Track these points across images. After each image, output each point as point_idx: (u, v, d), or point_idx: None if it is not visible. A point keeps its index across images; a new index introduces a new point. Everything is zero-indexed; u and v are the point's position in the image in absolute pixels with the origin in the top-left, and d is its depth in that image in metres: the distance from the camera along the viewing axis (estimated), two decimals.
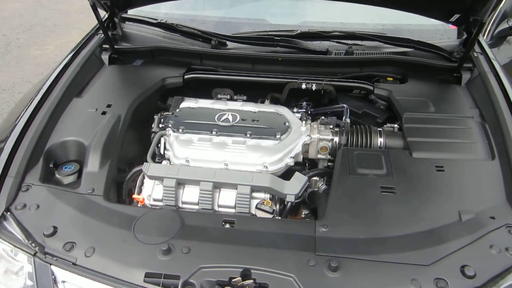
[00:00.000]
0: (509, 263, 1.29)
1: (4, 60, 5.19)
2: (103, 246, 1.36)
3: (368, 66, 2.22)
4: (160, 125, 1.90)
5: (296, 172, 1.68)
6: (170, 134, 1.82)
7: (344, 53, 2.25)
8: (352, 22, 2.47)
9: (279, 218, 1.61)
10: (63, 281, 1.33)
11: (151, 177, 1.66)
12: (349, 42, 2.32)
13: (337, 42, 2.33)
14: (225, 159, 1.70)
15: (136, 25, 2.50)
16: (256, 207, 1.59)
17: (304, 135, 1.83)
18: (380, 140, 1.81)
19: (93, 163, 1.64)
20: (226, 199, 1.63)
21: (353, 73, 2.20)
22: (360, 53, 2.27)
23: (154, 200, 1.67)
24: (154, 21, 2.42)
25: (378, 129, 1.87)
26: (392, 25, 2.48)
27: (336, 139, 1.85)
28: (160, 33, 2.46)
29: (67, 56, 2.18)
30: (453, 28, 2.53)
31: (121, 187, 1.75)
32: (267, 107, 2.01)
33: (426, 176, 1.60)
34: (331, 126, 1.89)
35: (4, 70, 4.98)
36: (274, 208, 1.59)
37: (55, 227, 1.40)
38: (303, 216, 1.79)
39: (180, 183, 1.65)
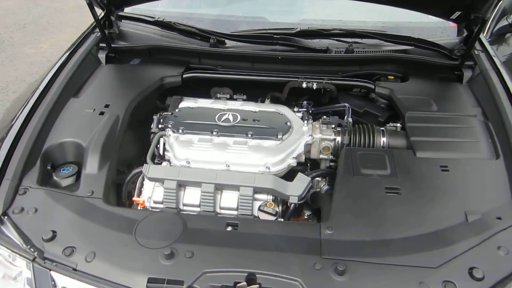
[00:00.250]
0: None
1: None
2: (104, 251, 1.32)
3: (369, 64, 2.20)
4: (160, 126, 1.86)
5: (299, 173, 1.66)
6: (169, 135, 1.79)
7: (345, 51, 2.22)
8: (351, 20, 2.44)
9: (283, 220, 1.59)
10: (63, 287, 1.30)
11: (151, 179, 1.63)
12: (349, 40, 2.29)
13: (336, 40, 2.31)
14: (226, 160, 1.67)
15: (132, 24, 2.46)
16: (259, 209, 1.56)
17: (306, 135, 1.80)
18: (383, 140, 1.79)
19: (92, 165, 1.60)
20: (228, 201, 1.60)
21: (354, 71, 2.18)
22: (360, 51, 2.25)
23: (155, 202, 1.64)
24: (151, 19, 2.38)
25: (381, 128, 1.84)
26: (392, 22, 2.46)
27: (339, 139, 1.82)
28: (158, 32, 2.42)
29: (63, 55, 2.14)
30: (453, 25, 2.52)
31: (120, 189, 1.71)
32: (267, 107, 1.98)
33: (431, 176, 1.58)
34: (333, 126, 1.87)
35: None
36: (277, 210, 1.57)
37: (54, 232, 1.37)
38: (305, 217, 1.77)
39: (181, 185, 1.62)
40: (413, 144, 1.70)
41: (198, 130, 1.78)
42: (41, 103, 1.81)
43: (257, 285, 1.23)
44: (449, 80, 2.14)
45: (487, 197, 1.50)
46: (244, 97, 2.08)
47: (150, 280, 1.24)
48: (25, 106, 1.79)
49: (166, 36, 2.39)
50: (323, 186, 1.84)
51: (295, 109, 1.99)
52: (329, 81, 2.06)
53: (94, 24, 2.40)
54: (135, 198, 1.65)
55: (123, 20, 2.45)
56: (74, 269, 1.28)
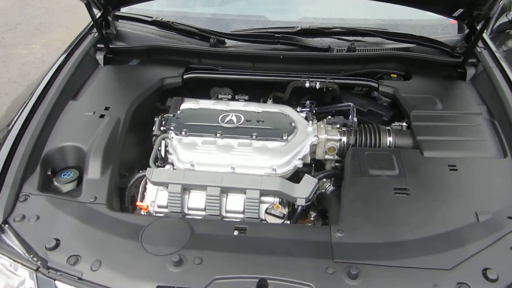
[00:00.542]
0: None
1: None
2: (110, 259, 1.29)
3: (371, 63, 2.17)
4: (162, 128, 1.82)
5: (306, 175, 1.63)
6: (172, 137, 1.75)
7: (347, 49, 2.19)
8: (352, 18, 2.42)
9: (292, 223, 1.56)
10: None
11: (155, 183, 1.60)
12: (350, 38, 2.27)
13: (338, 38, 2.28)
14: (231, 163, 1.64)
15: (130, 23, 2.42)
16: (266, 212, 1.53)
17: (311, 135, 1.77)
18: (389, 139, 1.77)
19: (94, 170, 1.56)
20: (234, 204, 1.57)
21: (356, 70, 2.15)
22: (362, 49, 2.22)
23: (159, 206, 1.60)
24: (149, 19, 2.34)
25: (387, 128, 1.82)
26: (392, 20, 2.44)
27: (344, 139, 1.80)
28: (156, 32, 2.38)
29: (60, 57, 2.09)
30: (454, 22, 2.51)
31: (122, 194, 1.67)
32: (270, 107, 1.95)
33: (439, 176, 1.56)
34: (338, 126, 1.84)
35: None
36: (284, 213, 1.54)
37: (57, 240, 1.33)
38: (312, 219, 1.74)
39: (186, 189, 1.59)
40: (420, 144, 1.68)
41: (201, 132, 1.74)
42: (40, 107, 1.76)
43: None
44: (452, 78, 2.12)
45: (497, 196, 1.49)
46: (246, 97, 2.05)
47: None
48: (23, 109, 1.75)
49: (165, 36, 2.35)
50: (328, 187, 1.81)
51: (298, 109, 1.96)
52: (332, 80, 2.03)
53: (90, 25, 2.35)
54: (139, 203, 1.61)
55: (120, 20, 2.40)
56: (80, 278, 1.25)
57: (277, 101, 2.12)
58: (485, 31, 2.07)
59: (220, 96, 2.08)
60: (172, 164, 1.70)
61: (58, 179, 1.62)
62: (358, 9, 2.47)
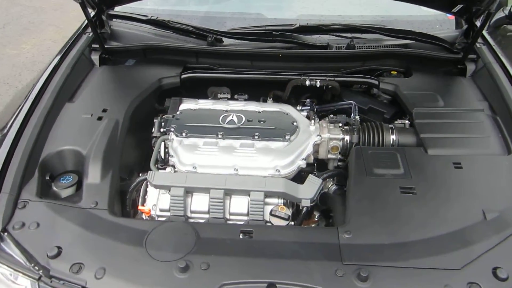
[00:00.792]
0: None
1: None
2: (114, 266, 1.25)
3: (371, 60, 2.16)
4: (162, 129, 1.79)
5: (310, 175, 1.61)
6: (173, 139, 1.72)
7: (346, 47, 2.17)
8: (350, 15, 2.40)
9: (298, 225, 1.54)
10: None
11: (157, 187, 1.56)
12: (349, 35, 2.25)
13: (336, 35, 2.26)
14: (234, 164, 1.61)
15: (124, 23, 2.37)
16: (271, 214, 1.51)
17: (314, 134, 1.75)
18: (393, 138, 1.76)
19: (94, 174, 1.53)
20: (238, 207, 1.55)
21: (356, 67, 2.14)
22: (361, 46, 2.20)
23: (161, 210, 1.57)
24: (144, 18, 2.30)
25: (389, 126, 1.81)
26: (391, 16, 2.43)
27: (347, 138, 1.78)
28: (151, 31, 2.33)
29: (54, 58, 2.04)
30: (451, 18, 2.50)
31: (123, 198, 1.64)
32: (271, 106, 1.92)
33: (445, 174, 1.55)
34: (340, 125, 1.82)
35: None
36: (289, 214, 1.52)
37: (59, 247, 1.29)
38: (316, 219, 1.72)
39: (188, 191, 1.56)
40: (423, 142, 1.67)
41: (202, 133, 1.71)
42: (36, 109, 1.72)
43: None
44: (451, 74, 2.11)
45: (503, 193, 1.48)
46: (246, 96, 2.02)
47: None
48: (19, 113, 1.70)
49: (161, 35, 2.30)
50: (331, 186, 1.80)
51: (298, 108, 1.94)
52: (333, 78, 2.01)
53: (84, 25, 2.31)
54: (141, 207, 1.58)
55: (114, 19, 2.36)
56: (84, 287, 1.21)
57: (276, 100, 2.10)
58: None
59: (219, 95, 2.05)
60: (173, 166, 1.67)
61: (57, 184, 1.58)
62: (356, 5, 2.44)
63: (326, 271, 1.23)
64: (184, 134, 1.70)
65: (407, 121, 1.85)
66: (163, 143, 1.76)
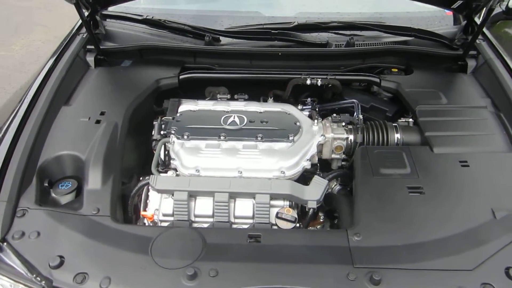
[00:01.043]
0: None
1: None
2: (120, 275, 1.21)
3: (371, 57, 2.14)
4: (162, 132, 1.75)
5: (315, 176, 1.58)
6: (174, 141, 1.68)
7: (345, 44, 2.15)
8: (349, 12, 2.38)
9: (305, 228, 1.51)
10: None
11: (160, 191, 1.52)
12: (347, 32, 2.23)
13: (335, 33, 2.24)
14: (238, 166, 1.58)
15: (118, 23, 2.32)
16: (277, 217, 1.48)
17: (318, 135, 1.72)
18: (397, 136, 1.73)
19: (94, 180, 1.48)
20: (243, 210, 1.52)
21: (356, 65, 2.11)
22: (361, 43, 2.18)
23: (164, 215, 1.53)
24: (139, 18, 2.25)
25: (393, 124, 1.79)
26: (389, 13, 2.41)
27: (351, 137, 1.75)
28: (147, 30, 2.29)
29: (49, 60, 1.98)
30: (449, 14, 2.49)
31: (125, 203, 1.59)
32: (272, 106, 1.89)
33: (452, 172, 1.53)
34: (343, 124, 1.80)
35: None
36: (296, 216, 1.49)
37: (61, 257, 1.25)
38: (321, 220, 1.69)
39: (192, 195, 1.52)
40: (429, 140, 1.65)
41: (204, 135, 1.68)
42: (31, 114, 1.66)
43: None
44: (451, 71, 2.10)
45: (511, 192, 1.46)
46: (246, 96, 1.99)
47: None
48: (14, 117, 1.65)
49: (156, 35, 2.26)
50: (335, 186, 1.78)
51: (299, 107, 1.91)
52: (334, 77, 1.98)
53: (78, 25, 2.25)
54: (143, 213, 1.54)
55: (108, 20, 2.30)
56: None
57: (276, 99, 2.07)
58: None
59: (219, 96, 2.01)
60: (175, 169, 1.63)
61: (56, 190, 1.53)
62: (354, 2, 2.42)
63: (338, 275, 1.21)
64: (185, 137, 1.66)
65: (410, 119, 1.83)
66: (163, 146, 1.72)
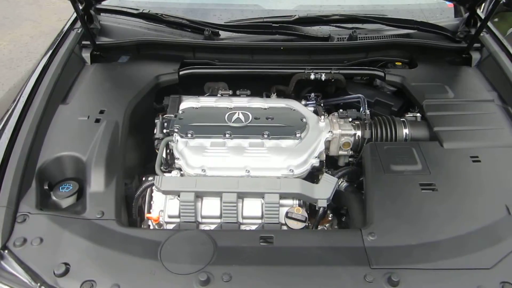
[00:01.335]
0: None
1: None
2: (129, 282, 1.17)
3: (375, 51, 2.10)
4: (164, 130, 1.69)
5: (325, 174, 1.55)
6: (177, 140, 1.63)
7: (348, 38, 2.11)
8: (350, 4, 2.34)
9: (315, 227, 1.48)
10: None
11: (165, 192, 1.47)
12: (349, 26, 2.19)
13: (337, 26, 2.19)
14: (246, 165, 1.53)
15: (113, 17, 2.24)
16: (287, 216, 1.44)
17: (325, 131, 1.68)
18: (405, 132, 1.70)
19: (97, 182, 1.42)
20: (252, 210, 1.48)
21: (359, 59, 2.07)
22: (363, 37, 2.14)
23: (169, 216, 1.49)
24: (136, 12, 2.17)
25: (401, 119, 1.75)
26: (391, 5, 2.38)
27: (359, 133, 1.71)
28: (143, 25, 2.22)
29: (43, 57, 1.91)
30: (451, 6, 2.46)
31: (128, 205, 1.54)
32: (276, 102, 1.85)
33: (463, 168, 1.51)
34: (350, 119, 1.76)
35: None
36: (306, 216, 1.45)
37: (67, 264, 1.19)
38: (329, 218, 1.66)
39: (198, 196, 1.47)
40: (438, 135, 1.62)
41: (209, 133, 1.63)
42: (28, 113, 1.59)
43: None
44: (455, 64, 2.07)
45: None
46: (248, 92, 1.94)
47: None
48: (9, 118, 1.58)
49: (153, 30, 2.19)
50: (342, 183, 1.74)
51: (303, 102, 1.87)
52: (338, 71, 1.94)
53: (72, 20, 2.17)
54: (148, 215, 1.49)
55: (102, 14, 2.22)
56: None
57: (279, 95, 2.02)
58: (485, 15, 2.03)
59: (221, 92, 1.96)
60: (179, 169, 1.58)
61: (56, 193, 1.47)
62: None
63: (355, 277, 1.17)
64: (189, 135, 1.61)
65: (418, 114, 1.79)
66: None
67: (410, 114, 1.81)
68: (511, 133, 1.63)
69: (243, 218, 1.48)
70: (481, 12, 2.29)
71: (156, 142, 1.70)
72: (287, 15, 2.15)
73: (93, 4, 2.04)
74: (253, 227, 1.47)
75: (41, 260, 1.21)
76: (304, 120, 1.69)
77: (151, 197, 1.56)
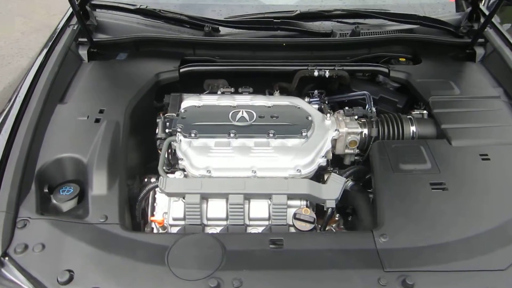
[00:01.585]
0: None
1: None
2: None
3: (378, 47, 2.07)
4: (167, 130, 1.64)
5: (332, 174, 1.52)
6: (180, 140, 1.58)
7: (351, 33, 2.07)
8: None
9: (325, 228, 1.45)
10: None
11: (170, 194, 1.43)
12: (351, 21, 2.15)
13: (339, 21, 2.16)
14: (252, 166, 1.49)
15: (110, 13, 2.18)
16: (295, 218, 1.41)
17: (332, 129, 1.65)
18: (412, 129, 1.67)
19: (99, 184, 1.38)
20: (259, 211, 1.44)
21: (362, 55, 2.04)
22: (365, 32, 2.11)
23: (174, 219, 1.45)
24: (133, 7, 2.12)
25: (408, 117, 1.72)
26: (392, 0, 2.33)
27: (366, 131, 1.68)
28: (141, 21, 2.16)
29: (39, 55, 1.85)
30: (452, 0, 2.43)
31: (131, 208, 1.49)
32: (280, 99, 1.81)
33: (473, 166, 1.48)
34: (356, 117, 1.73)
35: None
36: (314, 217, 1.42)
37: (70, 271, 1.15)
38: (336, 218, 1.63)
39: (203, 197, 1.43)
40: (446, 133, 1.60)
41: (213, 132, 1.58)
42: (25, 114, 1.54)
43: None
44: (459, 59, 2.05)
45: None
46: (251, 90, 1.90)
47: None
48: (6, 118, 1.53)
49: (152, 26, 2.14)
50: (347, 182, 1.71)
51: (306, 100, 1.84)
52: (342, 68, 1.91)
53: (67, 17, 2.11)
54: (153, 218, 1.45)
55: (98, 10, 2.16)
56: None
57: (282, 92, 1.98)
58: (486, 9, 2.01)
59: (222, 89, 1.91)
60: (183, 170, 1.54)
61: (56, 196, 1.43)
62: None
63: (368, 280, 1.15)
64: (193, 135, 1.57)
65: (425, 111, 1.76)
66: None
67: (416, 111, 1.77)
68: None
69: (250, 219, 1.44)
70: (483, 6, 2.27)
71: (158, 142, 1.66)
72: (288, 10, 2.11)
73: (88, 0, 1.98)
74: (260, 229, 1.44)
75: (44, 267, 1.17)
76: (309, 118, 1.66)
77: (154, 199, 1.52)
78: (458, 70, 1.96)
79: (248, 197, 1.43)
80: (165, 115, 1.71)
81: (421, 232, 1.28)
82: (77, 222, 1.29)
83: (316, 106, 1.81)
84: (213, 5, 2.26)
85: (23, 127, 1.50)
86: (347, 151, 1.71)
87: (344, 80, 1.96)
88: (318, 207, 1.52)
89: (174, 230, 1.45)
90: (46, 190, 1.43)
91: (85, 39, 1.96)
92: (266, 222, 1.44)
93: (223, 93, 1.90)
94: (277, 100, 1.79)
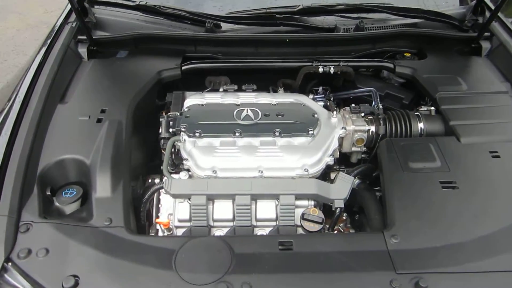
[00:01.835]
0: None
1: None
2: None
3: (382, 42, 2.03)
4: (170, 130, 1.61)
5: (340, 173, 1.49)
6: (185, 140, 1.55)
7: (354, 28, 2.04)
8: None
9: (333, 229, 1.43)
10: None
11: (175, 196, 1.40)
12: (355, 16, 2.12)
13: (342, 16, 2.12)
14: (259, 166, 1.46)
15: (109, 10, 2.14)
16: (303, 218, 1.38)
17: (338, 127, 1.62)
18: (420, 126, 1.65)
19: (103, 186, 1.35)
20: (266, 212, 1.41)
21: (367, 50, 2.00)
22: (369, 27, 2.07)
23: (180, 220, 1.42)
24: (132, 3, 2.07)
25: (415, 113, 1.69)
26: None
27: (373, 129, 1.66)
28: (140, 18, 2.12)
29: (38, 53, 1.81)
30: None
31: (135, 209, 1.46)
32: (284, 97, 1.78)
33: (483, 164, 1.46)
34: (363, 114, 1.70)
35: None
36: (323, 217, 1.39)
37: (75, 276, 1.12)
38: (344, 218, 1.60)
39: (209, 198, 1.40)
40: (454, 130, 1.57)
41: (217, 132, 1.55)
42: (25, 115, 1.50)
43: None
44: (464, 54, 2.02)
45: None
46: (254, 87, 1.86)
47: None
48: (6, 119, 1.49)
49: (152, 22, 2.10)
50: (354, 180, 1.68)
51: (310, 97, 1.80)
52: (346, 64, 1.87)
53: (66, 14, 2.07)
54: (158, 220, 1.42)
55: (96, 6, 2.11)
56: None
57: (286, 89, 1.95)
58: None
59: (226, 87, 1.88)
60: (187, 170, 1.51)
61: (59, 199, 1.39)
62: None
63: (381, 283, 1.12)
64: (197, 134, 1.54)
65: (432, 108, 1.74)
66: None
67: (424, 108, 1.74)
68: None
69: (257, 220, 1.41)
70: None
71: (162, 142, 1.62)
72: (291, 5, 2.07)
73: None
74: (267, 230, 1.41)
75: (48, 273, 1.14)
76: (315, 116, 1.63)
77: (158, 200, 1.49)
78: (465, 65, 1.93)
79: (255, 197, 1.40)
80: (168, 114, 1.68)
81: (433, 232, 1.25)
82: (81, 226, 1.26)
83: (321, 103, 1.78)
84: (214, 1, 2.22)
85: (24, 128, 1.46)
86: (353, 149, 1.68)
87: (348, 76, 1.93)
88: (324, 207, 1.49)
89: (180, 231, 1.43)
90: (48, 193, 1.39)
91: (84, 37, 1.92)
92: (274, 223, 1.42)
93: (226, 90, 1.87)
94: (282, 98, 1.76)
